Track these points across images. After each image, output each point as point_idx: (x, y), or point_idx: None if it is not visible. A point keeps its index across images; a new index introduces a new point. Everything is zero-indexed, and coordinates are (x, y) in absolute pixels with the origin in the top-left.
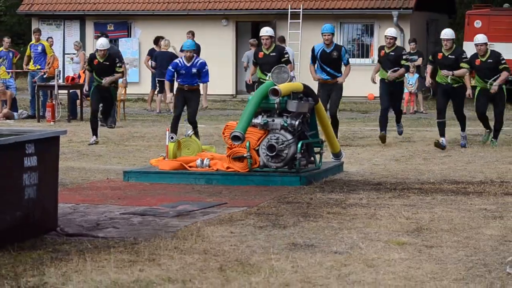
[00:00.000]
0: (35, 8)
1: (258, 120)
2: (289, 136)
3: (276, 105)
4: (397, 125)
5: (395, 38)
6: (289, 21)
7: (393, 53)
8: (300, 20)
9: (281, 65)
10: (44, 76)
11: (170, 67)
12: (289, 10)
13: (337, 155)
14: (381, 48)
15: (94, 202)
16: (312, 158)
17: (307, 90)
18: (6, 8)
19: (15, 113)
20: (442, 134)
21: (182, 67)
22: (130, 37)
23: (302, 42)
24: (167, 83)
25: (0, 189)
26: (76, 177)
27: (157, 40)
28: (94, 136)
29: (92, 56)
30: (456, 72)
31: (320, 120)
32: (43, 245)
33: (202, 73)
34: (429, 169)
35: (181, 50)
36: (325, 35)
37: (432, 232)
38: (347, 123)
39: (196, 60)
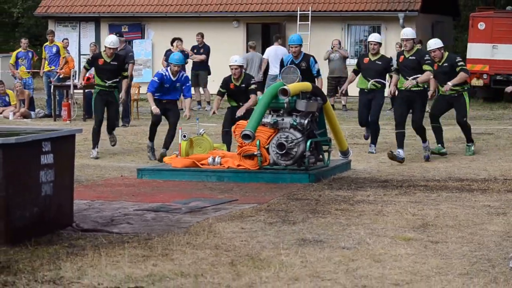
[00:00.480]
0: (52, 10)
1: (268, 119)
2: (298, 135)
3: (285, 105)
4: (370, 145)
5: (379, 44)
6: (298, 23)
7: (379, 62)
8: (309, 22)
9: (291, 65)
10: (60, 76)
11: (155, 78)
12: (298, 12)
13: (344, 153)
14: (363, 55)
15: (109, 199)
16: (321, 156)
17: (315, 90)
18: (23, 10)
19: (32, 112)
20: (400, 145)
21: (167, 81)
22: (144, 38)
23: (311, 43)
24: (150, 96)
25: (18, 185)
26: (91, 174)
27: (173, 41)
28: (96, 149)
29: (97, 56)
30: (420, 79)
31: (328, 119)
32: (59, 240)
33: (185, 88)
34: (434, 167)
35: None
36: (292, 47)
37: (438, 228)
38: (354, 122)
39: (181, 74)
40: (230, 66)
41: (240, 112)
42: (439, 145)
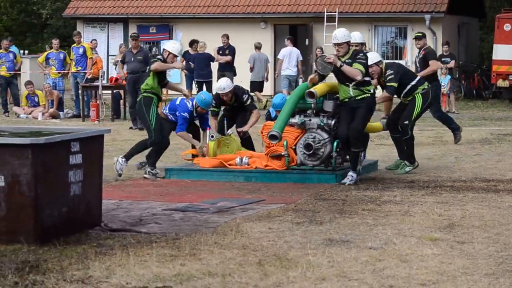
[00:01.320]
0: (80, 11)
1: (295, 119)
2: (325, 135)
3: (312, 105)
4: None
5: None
6: (325, 24)
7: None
8: (336, 23)
9: (330, 55)
10: (89, 77)
11: (185, 114)
12: (325, 14)
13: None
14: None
15: (137, 199)
16: (348, 157)
17: None
18: (52, 11)
19: (61, 113)
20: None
21: (191, 116)
22: (172, 39)
23: None
24: (187, 135)
25: (47, 185)
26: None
27: (191, 43)
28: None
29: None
30: (347, 69)
31: None
32: (88, 239)
33: (204, 120)
34: (460, 168)
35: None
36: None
37: (464, 229)
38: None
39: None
40: (220, 94)
41: (245, 129)
42: (404, 161)
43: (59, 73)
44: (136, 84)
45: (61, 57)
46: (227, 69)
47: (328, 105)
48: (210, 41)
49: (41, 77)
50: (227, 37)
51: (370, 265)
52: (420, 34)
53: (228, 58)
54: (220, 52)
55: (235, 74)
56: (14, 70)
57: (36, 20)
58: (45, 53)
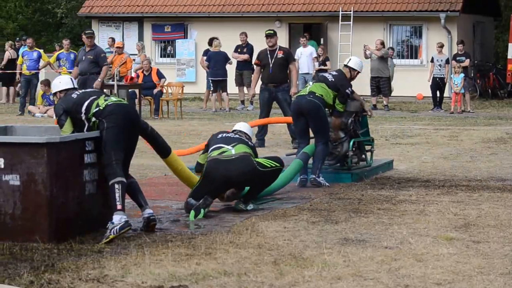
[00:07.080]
0: (95, 10)
1: None
2: (341, 134)
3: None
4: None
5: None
6: (340, 23)
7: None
8: (351, 22)
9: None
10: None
11: None
12: (340, 12)
13: None
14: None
15: (152, 198)
16: (363, 156)
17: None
18: (67, 10)
19: None
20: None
21: None
22: (187, 38)
23: (353, 43)
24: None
25: (62, 184)
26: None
27: (211, 41)
28: None
29: None
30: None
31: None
32: (103, 238)
33: None
34: (476, 167)
35: None
36: None
37: (479, 228)
38: (396, 122)
39: None
40: None
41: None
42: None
43: (69, 73)
44: (83, 88)
45: (72, 58)
46: (245, 68)
47: (355, 105)
48: (225, 40)
49: (56, 76)
50: (246, 35)
51: (386, 264)
52: None
53: (245, 56)
54: (239, 50)
55: (253, 72)
56: (35, 68)
57: (51, 19)
58: (56, 53)
